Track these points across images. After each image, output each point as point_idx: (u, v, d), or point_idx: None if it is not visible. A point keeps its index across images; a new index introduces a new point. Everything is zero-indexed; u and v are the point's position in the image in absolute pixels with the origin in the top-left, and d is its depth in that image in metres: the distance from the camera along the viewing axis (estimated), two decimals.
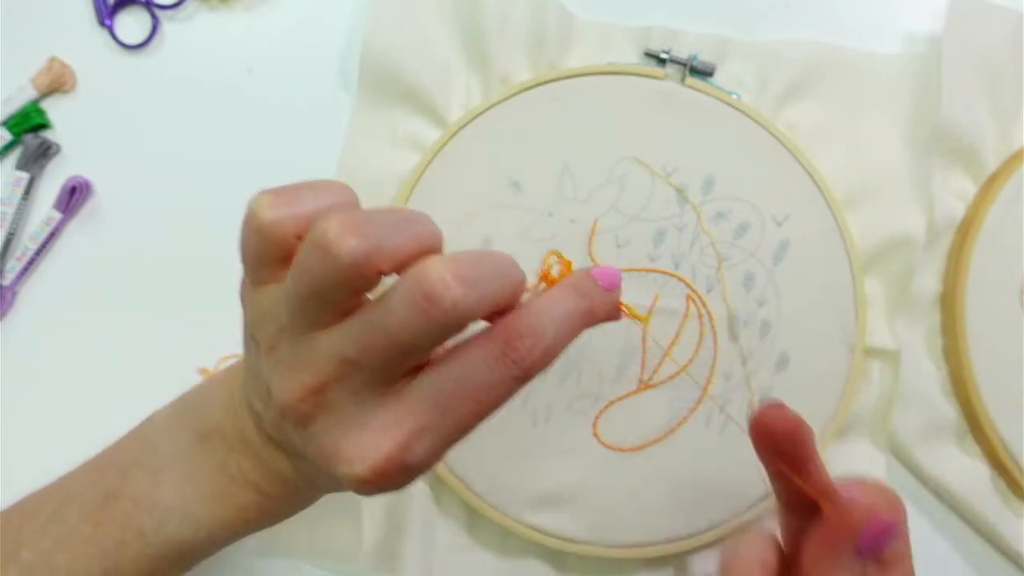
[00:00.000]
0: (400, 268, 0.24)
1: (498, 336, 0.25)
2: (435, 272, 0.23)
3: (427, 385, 0.25)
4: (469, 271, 0.24)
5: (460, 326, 0.24)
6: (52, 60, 0.46)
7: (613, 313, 0.29)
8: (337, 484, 0.29)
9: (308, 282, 0.24)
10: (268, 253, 0.26)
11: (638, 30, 0.46)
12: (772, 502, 0.41)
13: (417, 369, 0.25)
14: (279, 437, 0.29)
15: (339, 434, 0.25)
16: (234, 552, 0.43)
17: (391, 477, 0.25)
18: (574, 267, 0.28)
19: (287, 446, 0.29)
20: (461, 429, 0.25)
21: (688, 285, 0.43)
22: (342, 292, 0.24)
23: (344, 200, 0.27)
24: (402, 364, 0.25)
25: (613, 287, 0.28)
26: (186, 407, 0.33)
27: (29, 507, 0.33)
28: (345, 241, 0.23)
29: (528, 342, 0.25)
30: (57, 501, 0.32)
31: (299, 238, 0.25)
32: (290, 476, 0.30)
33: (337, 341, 0.25)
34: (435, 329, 0.23)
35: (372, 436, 0.25)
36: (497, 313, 0.25)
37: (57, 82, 0.46)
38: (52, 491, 0.33)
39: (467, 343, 0.25)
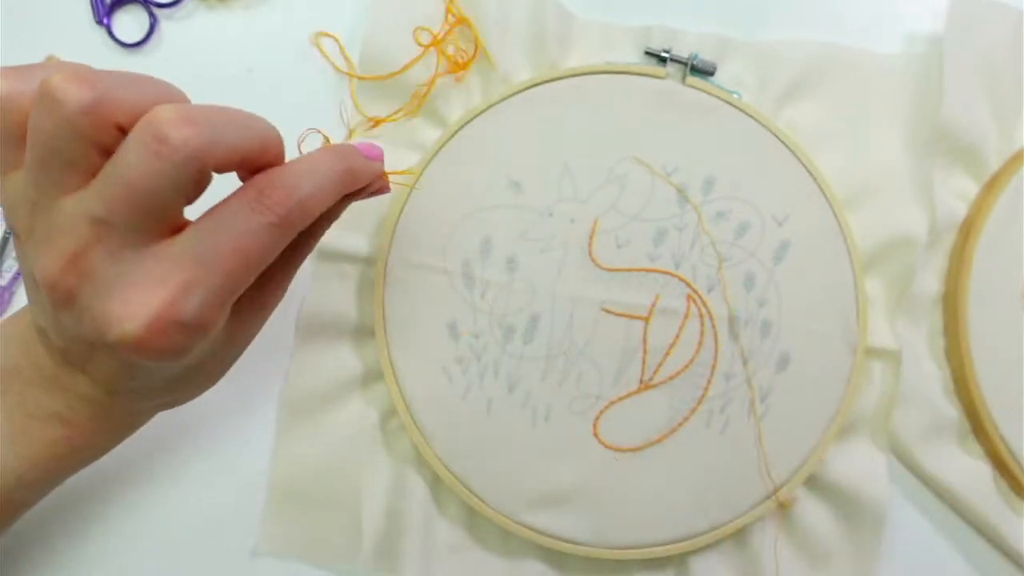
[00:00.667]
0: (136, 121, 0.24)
1: (253, 185, 0.26)
2: (164, 113, 0.23)
3: (188, 239, 0.25)
4: (200, 114, 0.24)
5: (198, 169, 0.24)
6: (49, 59, 0.46)
7: (378, 182, 0.31)
8: (136, 386, 0.29)
9: (42, 140, 0.24)
10: (7, 131, 0.26)
11: (638, 29, 0.46)
12: (773, 503, 0.41)
13: (179, 229, 0.26)
14: (65, 342, 0.28)
15: (105, 298, 0.25)
16: (234, 552, 0.43)
17: (166, 335, 0.25)
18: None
19: (77, 357, 0.28)
20: (230, 282, 0.25)
21: (689, 285, 0.43)
22: (76, 145, 0.24)
23: (159, 93, 0.27)
24: (154, 217, 0.25)
25: (375, 157, 0.30)
26: None
27: None
28: (70, 88, 0.23)
29: (282, 191, 0.26)
30: None
31: None
32: (91, 394, 0.30)
33: (83, 202, 0.24)
34: (171, 171, 0.24)
35: (138, 293, 0.24)
36: (252, 171, 0.27)
37: None
38: None
39: (225, 199, 0.26)
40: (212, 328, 0.26)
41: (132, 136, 0.24)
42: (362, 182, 0.30)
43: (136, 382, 0.29)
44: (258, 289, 0.30)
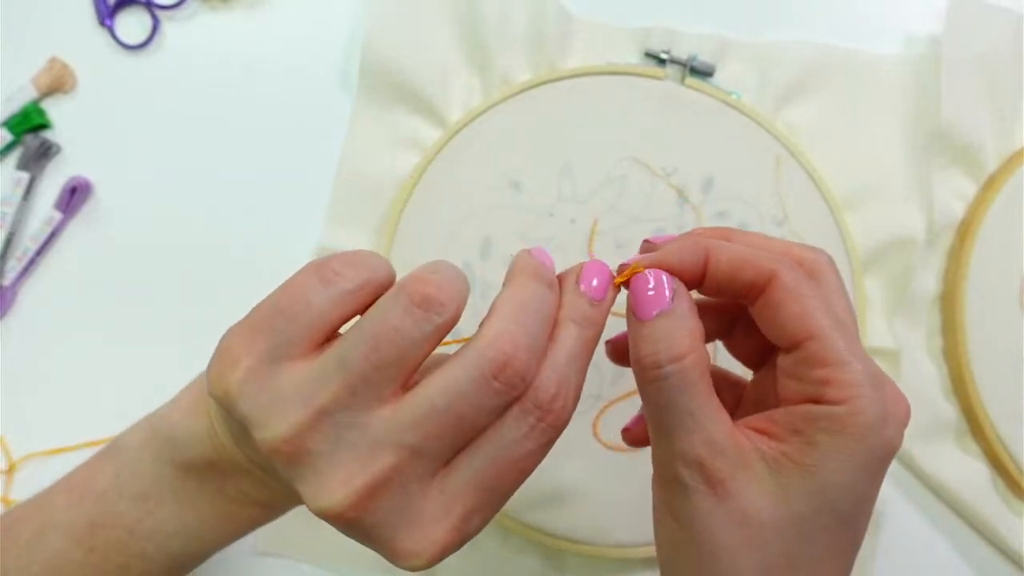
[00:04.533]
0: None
1: (531, 405, 0.24)
2: (503, 343, 0.23)
3: (467, 470, 0.24)
4: (527, 337, 0.23)
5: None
6: (52, 60, 0.46)
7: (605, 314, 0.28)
8: None
9: (398, 345, 0.22)
10: (336, 318, 0.24)
11: (638, 30, 0.46)
12: None
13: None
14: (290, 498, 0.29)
15: (391, 532, 0.23)
16: (234, 552, 0.43)
17: (447, 555, 0.24)
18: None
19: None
20: (507, 497, 0.25)
21: None
22: (421, 356, 0.23)
23: (390, 273, 0.25)
24: (458, 447, 0.24)
25: (604, 294, 0.26)
26: (161, 437, 0.31)
27: (9, 527, 0.32)
28: (449, 294, 0.23)
29: (560, 401, 0.24)
30: (35, 526, 0.32)
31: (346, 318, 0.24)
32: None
33: (396, 426, 0.23)
34: (502, 403, 0.23)
35: (425, 530, 0.23)
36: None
37: (57, 82, 0.46)
38: (25, 514, 0.32)
39: (501, 419, 0.24)
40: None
41: (469, 364, 0.23)
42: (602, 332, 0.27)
43: None
44: None
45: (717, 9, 0.47)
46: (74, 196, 0.45)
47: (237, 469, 0.29)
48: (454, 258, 0.43)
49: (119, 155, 0.46)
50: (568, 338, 0.25)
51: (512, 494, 0.25)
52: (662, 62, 0.45)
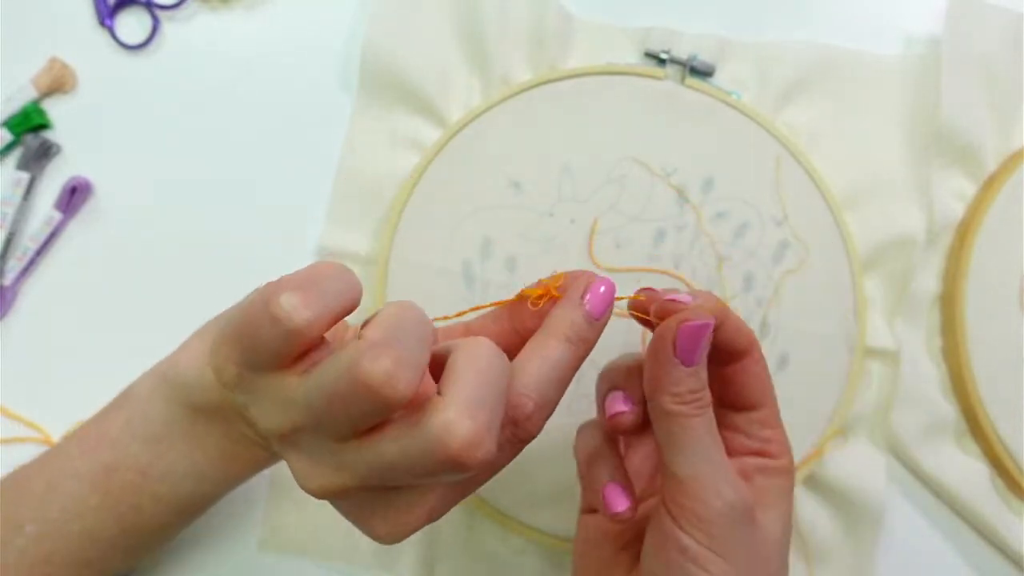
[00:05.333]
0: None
1: (506, 421, 0.25)
2: (460, 440, 0.22)
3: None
4: (484, 421, 0.23)
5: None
6: (52, 60, 0.46)
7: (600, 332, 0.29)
8: None
9: (346, 415, 0.23)
10: (291, 351, 0.25)
11: (638, 30, 0.46)
12: None
13: None
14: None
15: (366, 514, 0.26)
16: (234, 550, 0.43)
17: (414, 533, 0.26)
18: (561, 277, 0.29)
19: None
20: (475, 489, 0.27)
21: (688, 285, 0.43)
22: (379, 420, 0.24)
23: (355, 294, 0.25)
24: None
25: (604, 312, 0.28)
26: (171, 382, 0.33)
27: (17, 484, 0.34)
28: (398, 384, 0.22)
29: (534, 419, 0.25)
30: (48, 476, 0.33)
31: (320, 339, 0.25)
32: None
33: (357, 462, 0.24)
34: (458, 471, 0.23)
35: (398, 514, 0.25)
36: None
37: (57, 82, 0.46)
38: (38, 467, 0.34)
39: None
40: None
41: (426, 447, 0.23)
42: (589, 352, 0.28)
43: None
44: None
45: (717, 9, 0.47)
46: (74, 196, 0.45)
47: (241, 415, 0.31)
48: (454, 258, 0.43)
49: (119, 155, 0.46)
50: (557, 356, 0.26)
51: (479, 487, 0.27)
52: (662, 62, 0.45)
